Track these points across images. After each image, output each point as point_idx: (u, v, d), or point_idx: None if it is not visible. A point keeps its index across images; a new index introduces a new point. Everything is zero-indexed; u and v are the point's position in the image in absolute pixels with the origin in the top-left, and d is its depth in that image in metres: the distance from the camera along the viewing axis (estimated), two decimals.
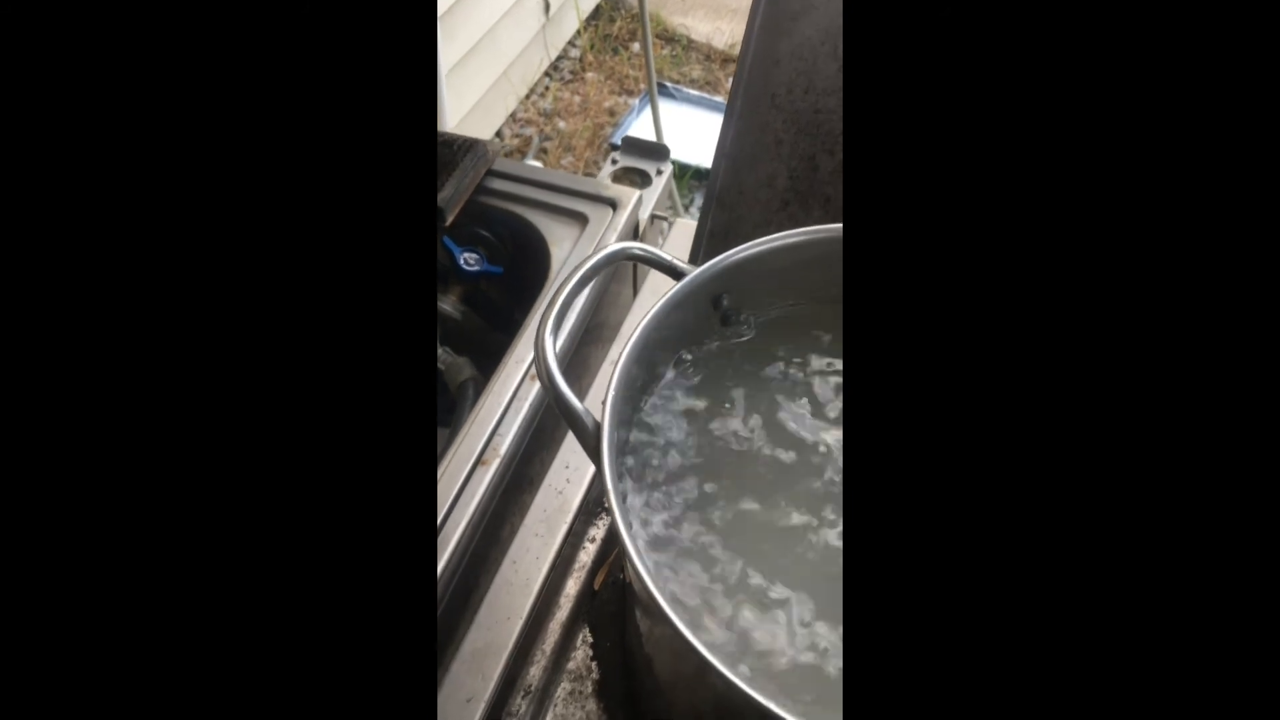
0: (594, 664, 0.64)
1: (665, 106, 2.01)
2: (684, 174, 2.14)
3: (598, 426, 0.46)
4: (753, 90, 0.76)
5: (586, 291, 0.78)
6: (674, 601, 0.40)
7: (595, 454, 0.46)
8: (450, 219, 0.82)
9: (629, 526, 0.42)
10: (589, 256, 0.52)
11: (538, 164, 0.95)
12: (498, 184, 0.87)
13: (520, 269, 0.87)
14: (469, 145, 0.85)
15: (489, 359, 0.77)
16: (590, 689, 0.63)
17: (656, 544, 0.50)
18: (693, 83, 2.45)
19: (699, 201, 2.12)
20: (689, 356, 0.58)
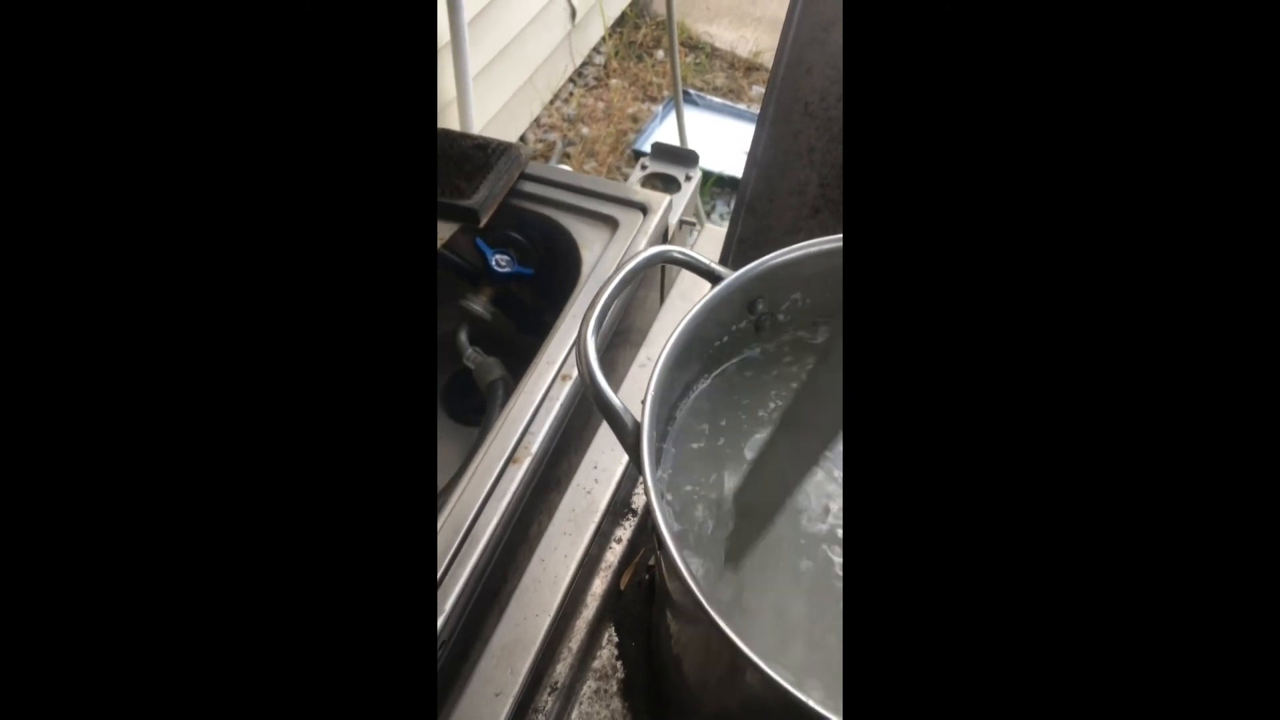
0: (619, 663, 0.64)
1: (689, 113, 2.02)
2: (706, 181, 2.15)
3: (637, 425, 0.47)
4: (785, 98, 0.76)
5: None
6: (710, 599, 0.40)
7: (635, 452, 0.46)
8: (484, 221, 0.82)
9: (669, 525, 0.43)
10: (631, 257, 0.53)
11: (567, 168, 0.96)
12: (529, 187, 0.88)
13: (551, 271, 0.88)
14: (503, 149, 0.86)
15: (518, 359, 0.77)
16: (615, 688, 0.63)
17: (688, 540, 0.51)
18: (716, 90, 2.46)
19: (721, 208, 2.12)
20: (724, 360, 0.59)
